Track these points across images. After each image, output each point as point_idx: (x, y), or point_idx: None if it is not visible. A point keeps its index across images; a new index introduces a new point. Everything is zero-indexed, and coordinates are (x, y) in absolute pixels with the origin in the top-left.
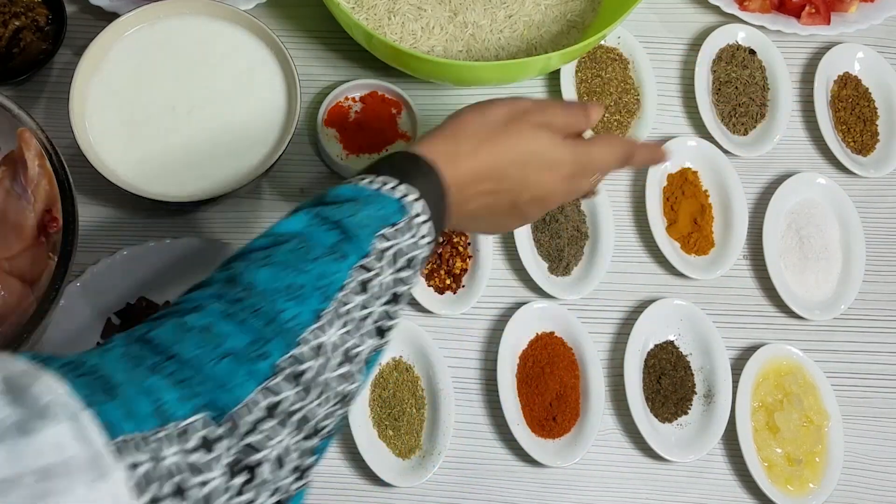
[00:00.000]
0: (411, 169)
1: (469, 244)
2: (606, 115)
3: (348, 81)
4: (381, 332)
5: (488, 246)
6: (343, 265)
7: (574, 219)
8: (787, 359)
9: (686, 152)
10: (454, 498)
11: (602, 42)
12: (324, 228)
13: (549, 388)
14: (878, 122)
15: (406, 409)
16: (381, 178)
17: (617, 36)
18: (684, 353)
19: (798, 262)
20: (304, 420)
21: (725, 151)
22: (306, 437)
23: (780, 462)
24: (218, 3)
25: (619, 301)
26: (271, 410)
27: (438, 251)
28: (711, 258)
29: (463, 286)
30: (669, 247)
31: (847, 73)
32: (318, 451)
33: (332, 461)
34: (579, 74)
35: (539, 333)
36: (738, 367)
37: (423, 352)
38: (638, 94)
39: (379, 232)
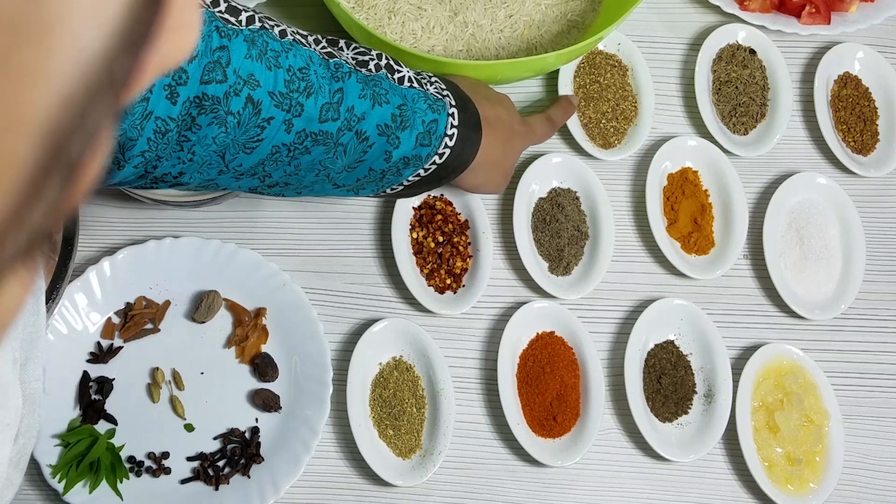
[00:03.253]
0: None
1: (469, 244)
2: (603, 121)
3: None
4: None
5: (488, 246)
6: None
7: (574, 218)
8: (788, 358)
9: (686, 152)
10: (454, 498)
11: (602, 48)
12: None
13: (550, 388)
14: (878, 122)
15: (406, 409)
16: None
17: (617, 42)
18: (684, 353)
19: (798, 262)
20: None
21: (725, 151)
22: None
23: (781, 462)
24: None
25: (620, 301)
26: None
27: (439, 251)
28: (712, 258)
29: (463, 286)
30: (670, 246)
31: (847, 72)
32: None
33: (332, 461)
34: (577, 80)
35: (539, 333)
36: (738, 366)
37: (424, 352)
38: (635, 101)
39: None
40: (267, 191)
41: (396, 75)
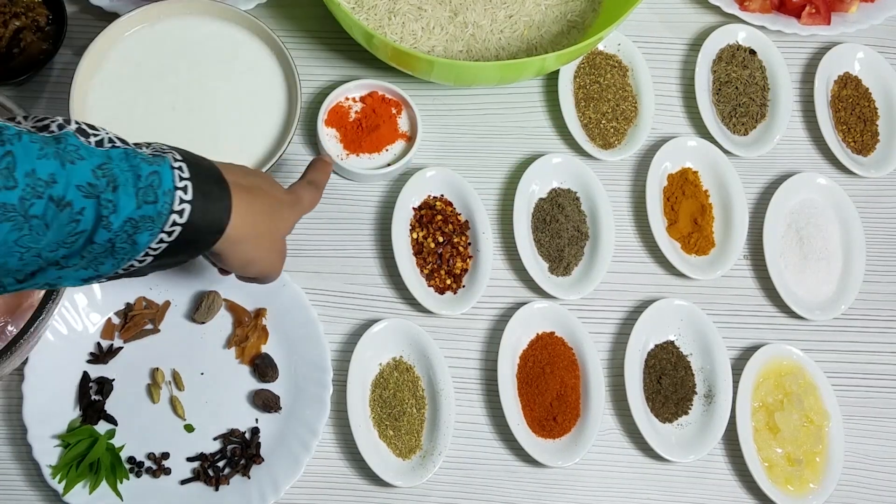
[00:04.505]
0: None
1: (469, 244)
2: (603, 121)
3: (348, 81)
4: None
5: (488, 246)
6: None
7: (574, 219)
8: (788, 359)
9: (686, 152)
10: (454, 498)
11: (602, 49)
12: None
13: (550, 388)
14: (878, 123)
15: (406, 410)
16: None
17: (617, 43)
18: (685, 353)
19: (798, 262)
20: None
21: (726, 151)
22: None
23: (781, 462)
24: (218, 3)
25: (620, 301)
26: None
27: (439, 251)
28: (712, 258)
29: (463, 286)
30: (670, 247)
31: (847, 73)
32: None
33: (332, 461)
34: (577, 80)
35: (539, 333)
36: (738, 367)
37: (424, 352)
38: (635, 102)
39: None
40: None
41: (93, 138)
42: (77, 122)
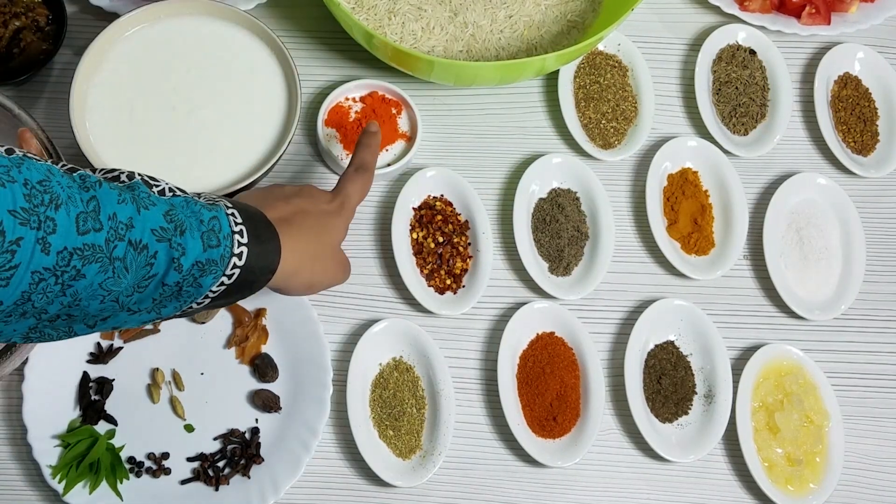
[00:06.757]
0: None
1: (469, 244)
2: (603, 121)
3: (348, 81)
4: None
5: (488, 246)
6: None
7: (574, 219)
8: (788, 359)
9: (686, 152)
10: (454, 498)
11: (602, 49)
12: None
13: (550, 388)
14: (878, 123)
15: (406, 410)
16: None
17: (617, 43)
18: (685, 353)
19: (798, 262)
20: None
21: (725, 151)
22: None
23: (781, 462)
24: (218, 3)
25: (620, 301)
26: None
27: (439, 251)
28: (712, 258)
29: (463, 286)
30: (670, 247)
31: (847, 73)
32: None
33: (332, 461)
34: (577, 80)
35: (539, 333)
36: (738, 367)
37: (424, 352)
38: (636, 102)
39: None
40: (51, 330)
41: (155, 188)
42: (140, 175)
